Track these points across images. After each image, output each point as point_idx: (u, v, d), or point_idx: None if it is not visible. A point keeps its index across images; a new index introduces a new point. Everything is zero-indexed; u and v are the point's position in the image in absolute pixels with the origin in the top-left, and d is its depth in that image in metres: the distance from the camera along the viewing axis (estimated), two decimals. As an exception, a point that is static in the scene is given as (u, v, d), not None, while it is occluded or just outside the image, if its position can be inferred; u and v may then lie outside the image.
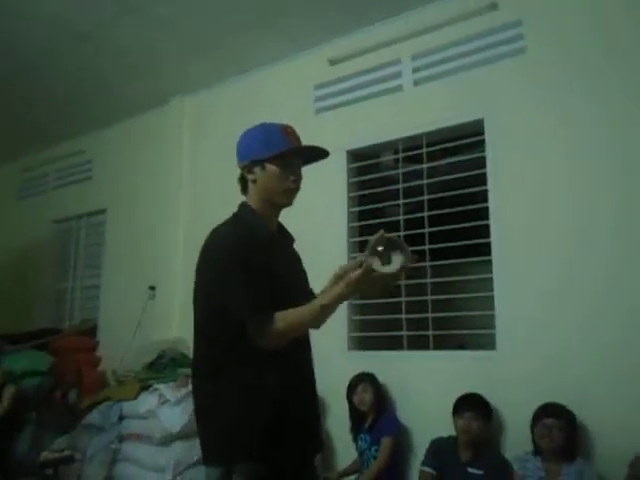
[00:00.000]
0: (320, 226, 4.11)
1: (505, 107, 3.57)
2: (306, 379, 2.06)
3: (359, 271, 1.80)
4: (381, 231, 1.87)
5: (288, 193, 2.05)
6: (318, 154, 2.14)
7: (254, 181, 2.06)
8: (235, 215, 2.09)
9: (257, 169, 2.05)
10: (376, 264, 1.81)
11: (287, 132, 2.08)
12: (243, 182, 2.12)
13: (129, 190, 5.49)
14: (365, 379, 3.60)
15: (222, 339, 1.91)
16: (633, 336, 3.00)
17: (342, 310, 3.79)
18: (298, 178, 2.07)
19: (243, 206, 2.11)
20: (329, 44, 4.32)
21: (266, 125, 2.10)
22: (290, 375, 1.96)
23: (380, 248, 1.83)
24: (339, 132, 4.19)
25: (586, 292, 3.15)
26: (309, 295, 2.12)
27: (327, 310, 1.87)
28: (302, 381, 2.03)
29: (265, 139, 2.05)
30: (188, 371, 4.21)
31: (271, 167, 2.03)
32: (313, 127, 4.30)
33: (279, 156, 2.02)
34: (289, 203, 2.09)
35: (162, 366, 4.32)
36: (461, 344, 4.13)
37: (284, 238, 2.19)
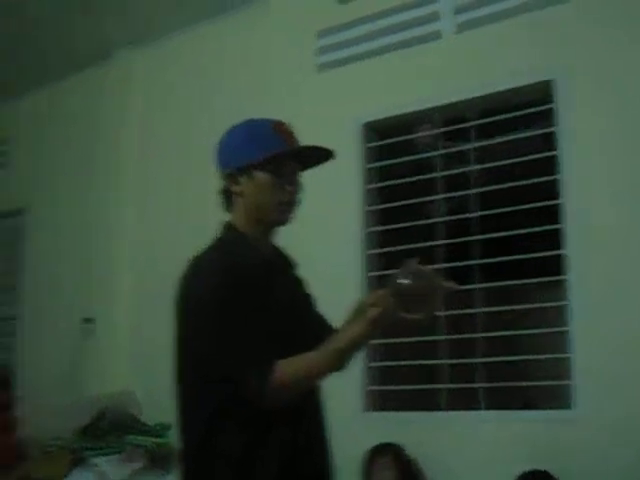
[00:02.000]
0: (325, 232, 4.20)
1: (585, 64, 3.64)
2: (318, 450, 2.18)
3: (378, 302, 1.90)
4: (411, 261, 1.95)
5: (283, 208, 2.17)
6: (321, 156, 2.24)
7: (240, 193, 2.17)
8: (219, 240, 2.20)
9: (243, 178, 2.15)
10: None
11: (281, 129, 2.18)
12: (226, 196, 2.23)
13: (57, 184, 5.63)
14: (387, 452, 3.67)
15: (211, 400, 2.02)
16: None
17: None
18: (296, 188, 2.19)
19: (228, 228, 2.22)
20: (337, -26, 4.43)
21: (253, 121, 2.21)
22: (297, 445, 2.07)
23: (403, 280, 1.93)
24: (350, 97, 4.28)
25: None
26: (325, 329, 2.24)
27: (344, 354, 1.97)
28: (313, 452, 2.15)
29: (252, 139, 2.15)
30: (138, 439, 4.32)
31: (261, 175, 2.13)
32: (314, 90, 4.45)
33: (271, 160, 2.12)
34: (286, 220, 2.20)
35: (102, 432, 4.40)
36: (526, 402, 4.18)
37: (282, 264, 2.30)
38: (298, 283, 2.35)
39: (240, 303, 1.99)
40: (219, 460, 2.00)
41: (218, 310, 1.98)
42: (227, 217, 2.25)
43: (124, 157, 5.26)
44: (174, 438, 4.32)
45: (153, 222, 5.05)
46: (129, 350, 4.93)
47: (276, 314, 2.07)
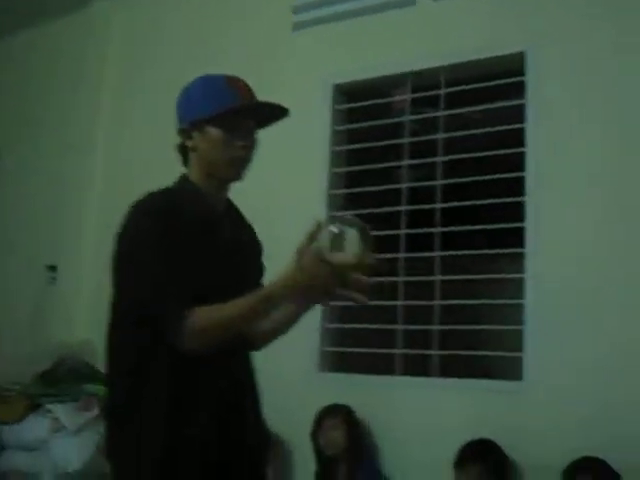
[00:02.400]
0: (291, 190, 4.21)
1: (558, 36, 3.64)
2: (236, 404, 2.15)
3: (309, 255, 1.88)
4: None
5: (235, 164, 2.15)
6: (276, 113, 2.22)
7: (193, 149, 2.17)
8: (168, 187, 2.20)
9: (196, 133, 2.15)
10: (322, 241, 1.89)
11: (235, 84, 2.16)
12: (183, 151, 2.23)
13: (23, 132, 5.56)
14: (336, 412, 3.70)
15: (134, 343, 2.02)
16: None
17: (312, 316, 3.86)
18: (249, 144, 2.17)
19: (181, 179, 2.22)
20: None
21: (208, 77, 2.19)
22: (210, 397, 2.06)
23: (333, 229, 1.91)
24: (324, 58, 4.27)
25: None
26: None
27: (267, 305, 1.96)
28: (230, 408, 2.12)
29: (205, 94, 2.15)
30: (94, 388, 4.33)
31: (212, 130, 2.12)
32: (288, 49, 4.43)
33: (223, 115, 2.11)
34: (237, 177, 2.19)
35: (59, 379, 4.42)
36: (485, 373, 4.22)
37: (234, 221, 2.29)
38: (246, 243, 2.31)
39: (170, 244, 1.98)
40: (145, 405, 2.01)
41: (144, 244, 1.99)
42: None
43: (101, 105, 5.23)
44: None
45: (124, 173, 5.02)
46: (91, 299, 4.92)
47: (209, 265, 2.05)
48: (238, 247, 2.24)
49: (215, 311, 1.94)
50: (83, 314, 4.94)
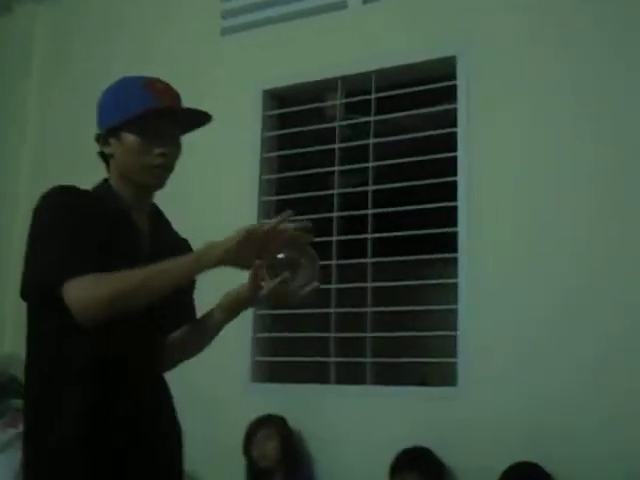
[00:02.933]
0: (221, 197, 4.15)
1: (487, 42, 3.65)
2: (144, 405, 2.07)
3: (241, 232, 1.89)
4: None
5: (153, 171, 2.05)
6: (198, 118, 2.13)
7: (111, 155, 2.08)
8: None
9: (113, 140, 2.06)
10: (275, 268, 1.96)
11: (153, 87, 2.04)
12: (103, 157, 2.13)
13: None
14: (268, 423, 3.65)
15: (51, 318, 1.95)
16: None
17: (243, 325, 3.82)
18: (169, 151, 2.06)
19: (101, 182, 2.13)
20: None
21: (125, 79, 2.10)
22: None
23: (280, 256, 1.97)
24: (253, 63, 4.23)
25: (592, 306, 3.28)
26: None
27: (164, 275, 1.89)
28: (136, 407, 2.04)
29: (120, 98, 2.06)
30: (18, 403, 4.21)
31: (128, 136, 2.02)
32: (216, 54, 4.39)
33: (137, 120, 2.01)
34: (157, 184, 2.10)
35: (-18, 395, 4.31)
36: (422, 380, 4.23)
37: (157, 230, 2.17)
38: (165, 250, 2.10)
39: (70, 224, 1.92)
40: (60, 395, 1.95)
41: (44, 226, 1.94)
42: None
43: (21, 120, 5.11)
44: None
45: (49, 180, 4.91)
46: (16, 313, 4.79)
47: (109, 255, 1.96)
48: (153, 249, 2.11)
49: (115, 277, 1.86)
50: (8, 328, 4.82)
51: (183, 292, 2.18)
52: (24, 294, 1.98)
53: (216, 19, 4.42)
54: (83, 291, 1.83)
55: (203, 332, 2.23)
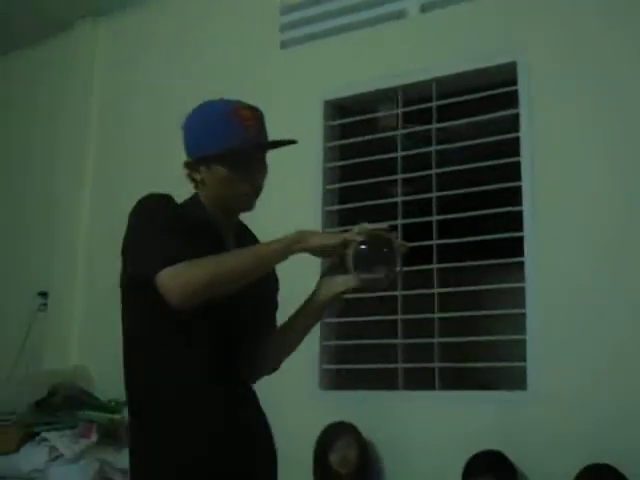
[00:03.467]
0: (286, 208, 4.17)
1: (548, 48, 3.67)
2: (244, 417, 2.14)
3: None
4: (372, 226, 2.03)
5: (245, 198, 2.13)
6: (284, 141, 2.17)
7: (201, 182, 2.14)
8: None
9: (203, 168, 2.12)
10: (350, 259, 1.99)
11: (240, 117, 2.07)
12: (192, 180, 2.19)
13: (12, 158, 5.58)
14: (348, 431, 3.68)
15: (148, 341, 2.06)
16: None
17: (310, 334, 3.85)
18: (257, 178, 2.13)
19: (192, 196, 2.20)
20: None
21: (211, 107, 2.14)
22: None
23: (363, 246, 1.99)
24: (314, 74, 4.28)
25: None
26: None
27: (260, 258, 1.97)
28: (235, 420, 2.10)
29: (208, 130, 2.10)
30: (91, 414, 4.30)
31: (219, 168, 2.08)
32: (277, 66, 4.44)
33: (228, 153, 2.07)
34: (247, 209, 2.17)
35: (55, 407, 4.37)
36: (484, 383, 4.22)
37: (242, 242, 2.22)
38: None
39: (165, 223, 2.00)
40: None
41: (142, 224, 2.03)
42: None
43: (89, 131, 5.25)
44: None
45: (113, 200, 5.01)
46: (83, 326, 4.91)
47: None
48: None
49: (209, 262, 1.93)
50: (75, 341, 4.92)
51: (266, 301, 2.27)
52: (126, 285, 2.08)
53: (275, 32, 4.49)
54: (178, 276, 1.89)
55: (284, 342, 2.28)
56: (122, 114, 5.11)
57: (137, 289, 2.02)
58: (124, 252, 2.05)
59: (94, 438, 4.23)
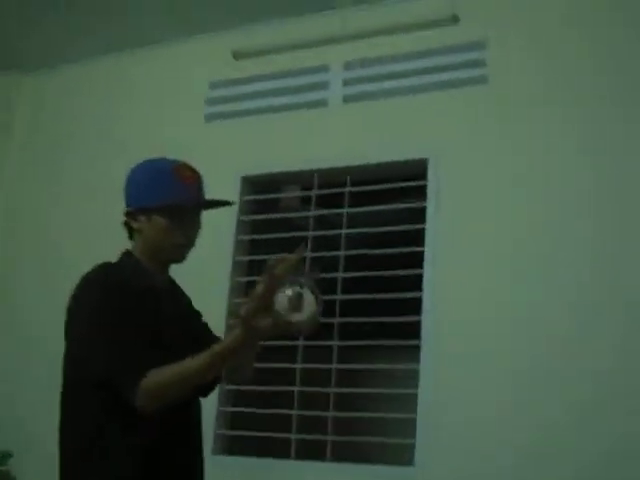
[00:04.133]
0: (195, 275, 4.26)
1: (457, 148, 3.96)
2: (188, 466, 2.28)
3: (250, 310, 1.93)
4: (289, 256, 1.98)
5: (178, 249, 2.31)
6: (220, 201, 2.40)
7: (139, 230, 2.32)
8: (112, 262, 2.33)
9: (142, 217, 2.30)
10: (280, 304, 1.95)
11: (181, 175, 2.30)
12: (128, 228, 2.37)
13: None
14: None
15: (93, 404, 2.12)
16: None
17: (206, 399, 3.93)
18: (192, 232, 2.34)
19: (125, 254, 2.35)
20: (236, 31, 4.65)
21: (155, 163, 2.35)
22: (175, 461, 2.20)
23: (289, 292, 1.97)
24: (234, 150, 4.48)
25: (556, 401, 3.47)
26: None
27: (219, 358, 2.02)
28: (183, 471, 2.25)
29: (152, 184, 2.29)
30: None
31: (158, 219, 2.28)
32: (200, 139, 4.59)
33: (168, 206, 2.27)
34: (180, 259, 2.35)
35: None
36: (379, 458, 4.34)
37: (175, 295, 2.44)
38: (190, 313, 2.49)
39: (115, 314, 2.10)
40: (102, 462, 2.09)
41: (97, 318, 2.11)
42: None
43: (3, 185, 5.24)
44: (14, 467, 4.33)
45: (17, 251, 5.06)
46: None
47: (157, 330, 2.17)
48: (182, 318, 2.40)
49: (166, 372, 2.02)
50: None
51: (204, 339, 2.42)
52: (74, 380, 2.17)
53: (202, 106, 4.69)
54: (152, 393, 2.00)
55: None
56: (38, 174, 5.19)
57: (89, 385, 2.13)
58: (77, 344, 2.16)
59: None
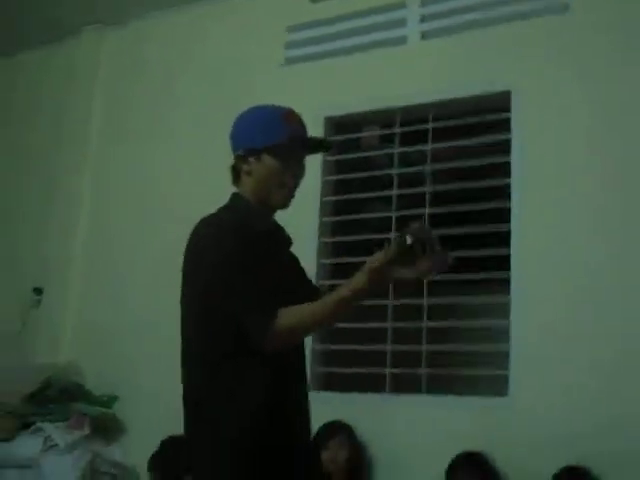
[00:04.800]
0: (282, 219, 4.37)
1: (540, 79, 3.93)
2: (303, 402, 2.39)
3: (382, 254, 2.04)
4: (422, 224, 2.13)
5: (285, 191, 2.40)
6: (323, 145, 2.56)
7: (248, 173, 2.40)
8: (228, 205, 2.42)
9: (252, 159, 2.38)
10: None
11: (289, 119, 2.41)
12: (236, 171, 2.45)
13: (9, 148, 5.74)
14: (341, 431, 3.85)
15: (217, 353, 2.22)
16: None
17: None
18: (298, 174, 2.43)
19: (235, 196, 2.44)
20: (311, -26, 4.64)
21: (266, 108, 2.45)
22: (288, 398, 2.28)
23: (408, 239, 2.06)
24: (315, 91, 4.50)
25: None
26: (317, 292, 2.49)
27: (344, 304, 2.13)
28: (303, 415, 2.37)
29: (263, 126, 2.38)
30: (83, 407, 4.44)
31: (268, 158, 2.36)
32: (279, 81, 4.62)
33: (278, 147, 2.35)
34: (285, 204, 2.44)
35: (49, 399, 4.51)
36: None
37: (282, 236, 2.54)
38: (294, 256, 2.57)
39: (246, 257, 2.19)
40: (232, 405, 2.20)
41: (227, 262, 2.19)
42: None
43: (89, 137, 5.38)
44: (120, 410, 4.55)
45: (112, 197, 5.20)
46: (76, 322, 5.03)
47: (278, 272, 2.27)
48: (293, 258, 2.53)
49: (296, 315, 2.13)
50: (68, 336, 5.04)
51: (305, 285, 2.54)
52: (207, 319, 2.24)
53: (281, 49, 4.72)
54: (269, 325, 2.10)
55: None
56: (123, 121, 5.28)
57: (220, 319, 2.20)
58: (209, 287, 2.20)
59: (86, 430, 4.38)
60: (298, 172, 2.42)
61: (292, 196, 2.43)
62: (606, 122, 3.76)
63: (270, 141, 2.34)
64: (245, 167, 2.39)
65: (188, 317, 2.30)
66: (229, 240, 2.22)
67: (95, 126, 5.38)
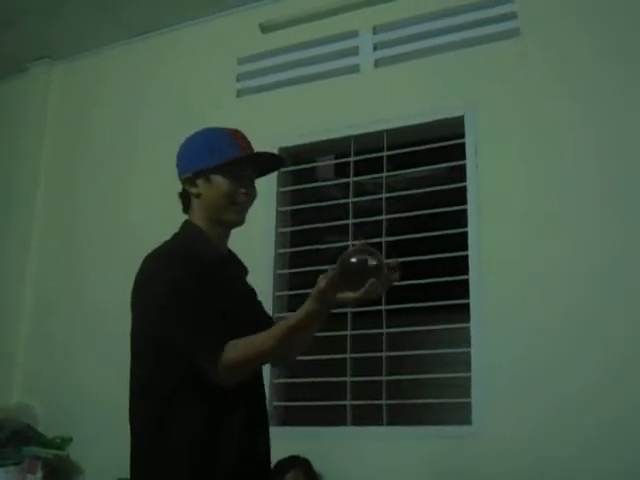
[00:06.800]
0: (237, 250, 4.29)
1: (493, 103, 3.92)
2: (265, 426, 2.37)
3: (327, 277, 2.01)
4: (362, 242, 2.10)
5: (238, 209, 2.35)
6: (273, 163, 2.51)
7: (198, 195, 2.35)
8: (175, 235, 2.38)
9: (200, 181, 2.34)
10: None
11: (236, 137, 2.38)
12: (185, 198, 2.40)
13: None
14: (298, 465, 3.75)
15: (169, 376, 2.16)
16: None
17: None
18: (250, 191, 2.38)
19: (186, 224, 2.39)
20: (262, 4, 4.62)
21: (211, 129, 2.42)
22: (254, 423, 2.26)
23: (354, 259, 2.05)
24: (269, 122, 4.42)
25: (602, 345, 3.45)
26: (270, 322, 2.43)
27: (292, 330, 2.08)
28: (264, 430, 2.35)
29: (209, 146, 2.35)
30: (37, 450, 4.29)
31: (217, 178, 2.31)
32: (233, 113, 4.50)
33: (226, 165, 2.30)
34: (239, 221, 2.39)
35: (0, 443, 4.36)
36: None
37: (236, 265, 2.48)
38: (248, 285, 2.51)
39: (193, 288, 2.14)
40: (178, 438, 2.12)
41: (174, 297, 2.13)
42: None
43: (38, 176, 5.30)
44: (73, 452, 4.40)
45: (63, 238, 5.09)
46: (27, 364, 4.90)
47: (229, 302, 2.22)
48: (246, 290, 2.48)
49: (246, 347, 2.07)
50: (19, 378, 4.90)
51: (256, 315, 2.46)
52: (148, 348, 2.20)
53: (232, 82, 4.67)
54: (217, 359, 2.04)
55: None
56: (73, 160, 5.19)
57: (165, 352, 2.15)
58: (155, 317, 2.17)
59: (39, 474, 4.24)
60: (250, 189, 2.37)
61: (246, 213, 2.38)
62: (557, 142, 3.76)
63: (219, 159, 2.30)
64: (194, 190, 2.35)
65: (135, 350, 2.25)
66: (176, 269, 2.17)
67: (44, 165, 5.30)
